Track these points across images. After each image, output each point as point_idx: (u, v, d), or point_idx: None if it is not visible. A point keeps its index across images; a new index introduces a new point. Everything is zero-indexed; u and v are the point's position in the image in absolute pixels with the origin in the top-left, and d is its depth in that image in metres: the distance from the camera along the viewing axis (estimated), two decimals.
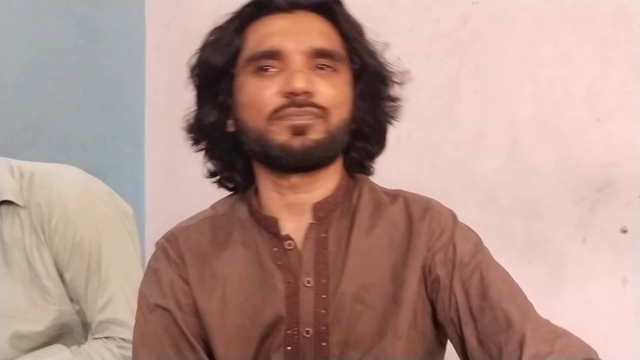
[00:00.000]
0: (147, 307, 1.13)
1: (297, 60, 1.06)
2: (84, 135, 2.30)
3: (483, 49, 1.82)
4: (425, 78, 1.90)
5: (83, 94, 2.30)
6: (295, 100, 1.05)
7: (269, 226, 1.12)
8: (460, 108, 1.86)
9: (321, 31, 1.10)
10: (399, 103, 1.18)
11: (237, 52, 1.11)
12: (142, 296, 1.15)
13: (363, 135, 1.14)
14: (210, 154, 1.17)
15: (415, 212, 1.13)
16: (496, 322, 1.01)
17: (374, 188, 1.18)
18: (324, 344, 1.07)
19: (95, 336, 1.45)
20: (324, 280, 1.09)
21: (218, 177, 1.18)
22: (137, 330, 1.14)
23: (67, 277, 1.45)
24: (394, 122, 1.18)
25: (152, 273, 1.15)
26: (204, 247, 1.14)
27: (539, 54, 1.74)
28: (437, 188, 1.86)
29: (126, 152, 2.34)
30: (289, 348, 1.08)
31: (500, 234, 1.79)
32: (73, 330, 1.49)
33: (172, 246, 1.15)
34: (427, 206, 1.14)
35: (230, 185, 1.19)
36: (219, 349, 1.09)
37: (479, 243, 1.13)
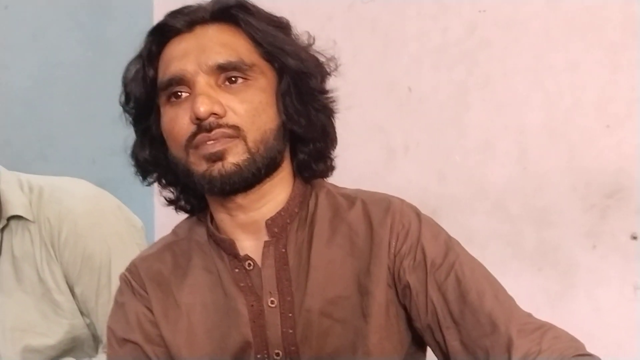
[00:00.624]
0: (116, 342, 1.11)
1: (201, 81, 1.00)
2: (93, 148, 2.31)
3: (491, 58, 1.82)
4: (433, 87, 1.90)
5: (93, 107, 2.30)
6: (204, 125, 0.99)
7: (227, 248, 1.08)
8: (469, 116, 1.85)
9: (223, 43, 1.03)
10: (331, 94, 1.10)
11: (154, 83, 1.06)
12: (110, 331, 1.12)
13: (301, 136, 1.08)
14: (162, 183, 1.14)
15: (375, 215, 1.07)
16: (480, 326, 0.98)
17: (331, 192, 1.12)
18: None
19: (105, 349, 1.45)
20: (289, 298, 1.05)
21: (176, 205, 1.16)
22: None
23: (78, 290, 1.46)
24: (334, 115, 1.11)
25: (118, 307, 1.13)
26: (166, 277, 1.11)
27: (548, 61, 1.74)
28: (446, 197, 1.86)
29: None
30: None
31: (510, 241, 1.78)
32: (84, 343, 1.49)
33: (134, 277, 1.12)
34: (387, 207, 1.07)
35: (188, 208, 1.16)
36: None
37: (448, 239, 1.07)
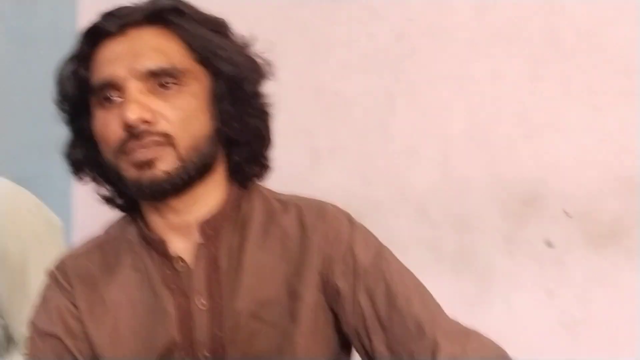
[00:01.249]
0: (37, 336, 1.09)
1: (132, 87, 0.99)
2: (11, 144, 2.25)
3: (417, 65, 1.84)
4: (360, 92, 1.92)
5: (12, 102, 2.25)
6: (133, 132, 0.98)
7: (158, 248, 1.07)
8: (394, 122, 1.87)
9: (155, 48, 1.01)
10: (266, 98, 1.10)
11: (86, 83, 1.04)
12: (32, 326, 1.10)
13: (235, 139, 1.08)
14: (97, 181, 1.13)
15: (308, 220, 1.08)
16: (406, 330, 1.00)
17: (266, 197, 1.13)
18: None
19: (21, 351, 1.42)
20: (218, 300, 1.05)
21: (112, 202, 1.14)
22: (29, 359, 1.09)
23: None
24: (269, 118, 1.11)
25: (42, 302, 1.11)
26: (93, 274, 1.10)
27: (471, 70, 1.77)
28: (370, 200, 1.88)
29: (54, 161, 2.28)
30: None
31: (430, 246, 1.81)
32: None
33: (61, 273, 1.11)
34: (321, 212, 1.09)
35: (124, 206, 1.14)
36: None
37: (379, 246, 1.08)
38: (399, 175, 1.86)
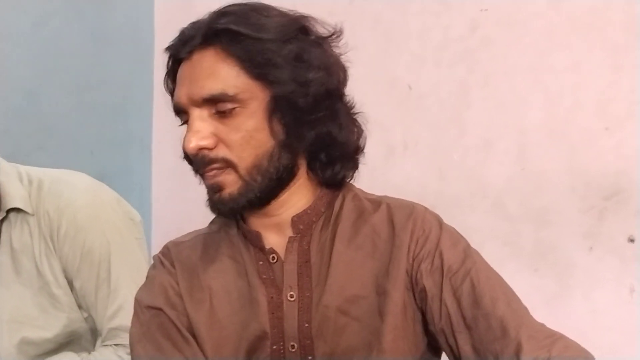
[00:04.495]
0: (140, 310, 1.14)
1: (193, 114, 1.03)
2: (92, 140, 2.31)
3: (492, 56, 1.82)
4: (434, 84, 1.91)
5: (92, 99, 2.31)
6: (196, 161, 1.04)
7: (253, 240, 1.11)
8: (469, 115, 1.85)
9: (210, 74, 1.03)
10: (334, 100, 1.09)
11: None
12: (136, 302, 1.15)
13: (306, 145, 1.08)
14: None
15: (398, 219, 1.10)
16: (491, 331, 1.00)
17: (357, 196, 1.15)
18: (310, 357, 1.07)
19: (105, 343, 1.46)
20: (308, 293, 1.08)
21: None
22: (132, 332, 1.14)
23: (77, 284, 1.46)
24: (339, 120, 1.09)
25: (147, 281, 1.17)
26: (193, 262, 1.15)
27: (549, 61, 1.74)
28: (445, 195, 1.87)
29: (134, 157, 2.36)
30: None
31: (508, 241, 1.78)
32: (82, 337, 1.49)
33: (166, 257, 1.16)
34: (410, 212, 1.11)
35: None
36: (210, 358, 1.09)
37: (467, 248, 1.10)
38: (475, 169, 1.84)
